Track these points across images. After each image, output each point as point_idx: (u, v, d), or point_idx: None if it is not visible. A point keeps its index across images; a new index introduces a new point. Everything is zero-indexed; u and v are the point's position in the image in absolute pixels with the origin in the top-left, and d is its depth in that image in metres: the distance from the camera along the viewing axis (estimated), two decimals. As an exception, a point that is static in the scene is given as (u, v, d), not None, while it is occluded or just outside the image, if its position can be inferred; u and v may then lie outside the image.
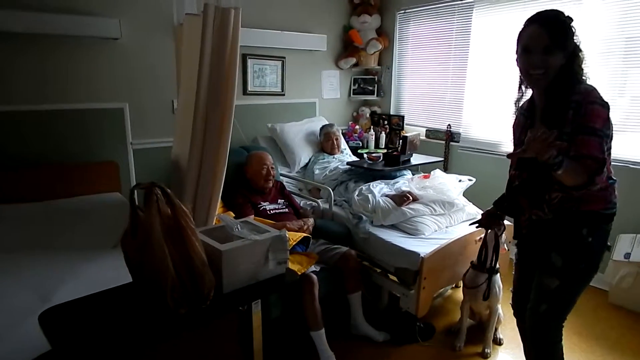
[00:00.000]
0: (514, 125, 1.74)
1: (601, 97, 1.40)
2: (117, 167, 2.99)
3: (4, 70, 2.58)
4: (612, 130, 1.42)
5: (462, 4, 3.59)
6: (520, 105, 1.70)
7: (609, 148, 1.42)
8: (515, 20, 3.19)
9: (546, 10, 1.48)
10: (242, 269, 1.42)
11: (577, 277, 1.55)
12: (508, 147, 3.37)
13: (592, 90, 1.41)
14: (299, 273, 2.08)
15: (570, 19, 1.45)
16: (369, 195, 2.69)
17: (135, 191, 1.23)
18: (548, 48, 1.43)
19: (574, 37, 1.44)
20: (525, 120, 1.65)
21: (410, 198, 2.64)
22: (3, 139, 2.61)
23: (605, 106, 1.39)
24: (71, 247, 2.07)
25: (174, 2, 2.42)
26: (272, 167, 2.69)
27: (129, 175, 3.14)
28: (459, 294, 2.90)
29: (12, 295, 1.61)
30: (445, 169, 3.78)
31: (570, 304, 1.60)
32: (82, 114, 2.87)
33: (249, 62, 3.64)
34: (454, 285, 2.94)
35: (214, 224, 2.11)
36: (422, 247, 2.34)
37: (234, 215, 2.40)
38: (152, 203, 1.18)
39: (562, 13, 1.45)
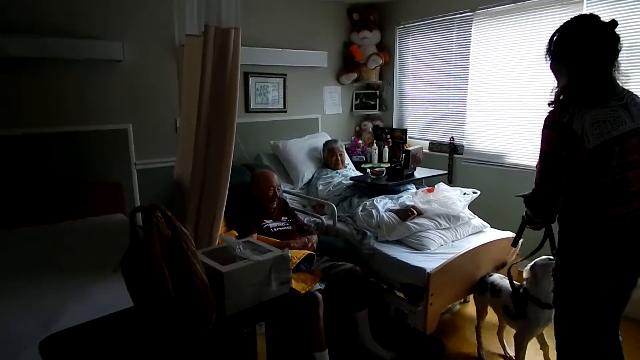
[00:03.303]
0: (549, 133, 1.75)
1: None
2: (121, 188, 3.00)
3: (8, 94, 2.62)
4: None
5: (461, 16, 3.61)
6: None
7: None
8: (513, 30, 3.21)
9: None
10: (245, 290, 1.40)
11: None
12: (513, 157, 3.37)
13: None
14: (303, 291, 2.06)
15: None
16: (373, 211, 2.68)
17: (137, 214, 1.22)
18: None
19: None
20: None
21: (415, 212, 2.62)
22: (7, 162, 2.62)
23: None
24: (75, 270, 2.05)
25: (175, 24, 2.45)
26: (278, 188, 2.68)
27: (133, 195, 3.15)
28: (468, 309, 2.86)
29: (13, 321, 1.59)
30: (450, 182, 3.76)
31: None
32: (86, 136, 2.90)
33: (251, 80, 3.67)
34: (462, 301, 2.89)
35: (216, 244, 2.09)
36: (428, 262, 2.31)
37: (237, 234, 2.38)
38: (152, 226, 1.17)
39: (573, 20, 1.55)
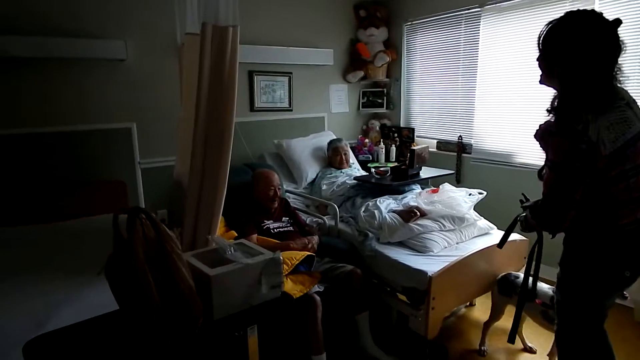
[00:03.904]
0: None
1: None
2: (125, 187, 3.00)
3: (11, 94, 2.64)
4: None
5: (469, 13, 3.53)
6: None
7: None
8: (522, 26, 3.12)
9: None
10: (234, 294, 1.37)
11: None
12: (522, 157, 3.28)
13: None
14: (301, 293, 2.02)
15: None
16: (375, 211, 2.62)
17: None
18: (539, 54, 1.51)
19: None
20: None
21: (418, 213, 2.56)
22: (10, 161, 2.64)
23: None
24: (73, 270, 2.05)
25: (176, 22, 2.44)
26: (278, 188, 2.65)
27: (137, 194, 3.15)
28: (474, 313, 2.79)
29: (6, 320, 1.59)
30: (458, 182, 3.69)
31: None
32: (90, 135, 2.91)
33: (256, 78, 3.64)
34: (468, 304, 2.82)
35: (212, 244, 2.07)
36: (431, 265, 2.25)
37: (236, 234, 2.35)
38: (135, 228, 1.15)
39: (572, 13, 1.43)
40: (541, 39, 1.43)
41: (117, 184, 2.98)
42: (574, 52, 1.33)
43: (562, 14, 1.39)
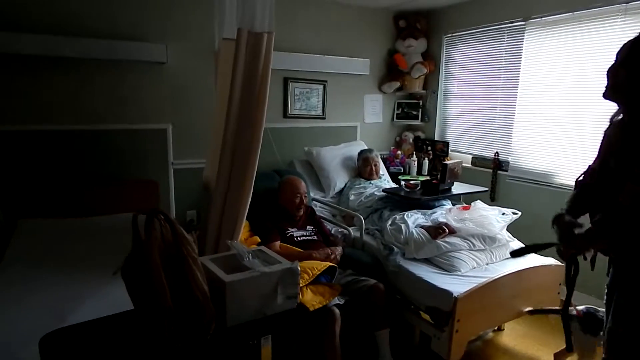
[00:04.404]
0: (604, 133, 1.52)
1: None
2: (157, 186, 3.07)
3: (56, 92, 2.75)
4: None
5: (512, 26, 3.41)
6: (615, 119, 1.47)
7: None
8: (569, 41, 2.98)
9: None
10: (248, 302, 1.35)
11: None
12: (563, 177, 3.12)
13: None
14: (320, 305, 1.97)
15: None
16: (402, 226, 2.56)
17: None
18: (619, 63, 1.33)
19: None
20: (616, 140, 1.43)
21: (447, 231, 2.47)
22: (48, 157, 2.75)
23: None
24: (99, 265, 2.10)
25: (215, 27, 2.48)
26: (305, 196, 2.63)
27: (169, 194, 3.22)
28: (503, 339, 2.66)
29: (28, 312, 1.64)
30: (492, 200, 3.55)
31: None
32: (126, 134, 3.00)
33: (290, 85, 3.66)
34: (496, 328, 2.69)
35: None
36: (457, 285, 2.16)
37: (259, 240, 2.35)
38: (152, 231, 1.15)
39: None
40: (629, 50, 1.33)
41: (149, 183, 3.05)
42: None
43: None
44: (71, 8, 2.73)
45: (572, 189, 2.89)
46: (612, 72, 1.36)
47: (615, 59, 1.36)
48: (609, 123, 1.46)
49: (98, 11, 2.81)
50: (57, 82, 2.75)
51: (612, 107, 1.41)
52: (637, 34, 1.33)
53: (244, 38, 2.05)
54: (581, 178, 1.50)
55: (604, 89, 1.39)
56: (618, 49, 1.36)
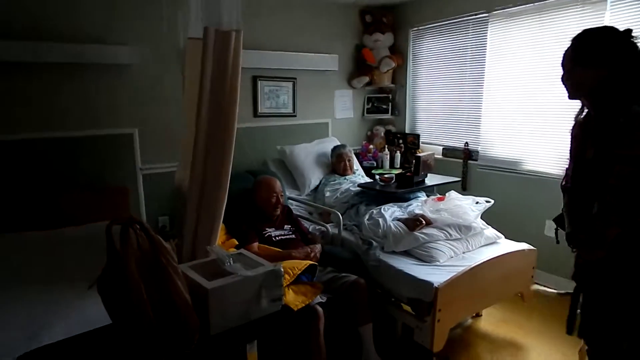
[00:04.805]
0: (571, 134, 1.57)
1: None
2: (128, 193, 2.97)
3: (14, 99, 2.61)
4: None
5: (476, 18, 3.48)
6: (579, 117, 1.53)
7: None
8: (531, 32, 3.07)
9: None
10: (232, 308, 1.32)
11: None
12: (530, 164, 3.21)
13: None
14: (303, 304, 1.95)
15: (610, 33, 1.36)
16: (380, 220, 2.57)
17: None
18: (571, 63, 1.41)
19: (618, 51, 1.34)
20: (582, 135, 1.48)
21: (424, 222, 2.50)
22: (12, 167, 2.61)
23: None
24: (71, 279, 2.00)
25: (179, 27, 2.41)
26: (281, 195, 2.60)
27: (139, 201, 3.12)
28: (481, 324, 2.72)
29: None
30: (464, 189, 3.63)
31: None
32: (92, 140, 2.88)
33: (260, 83, 3.61)
34: (474, 315, 2.75)
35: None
36: (437, 275, 2.19)
37: (237, 242, 2.31)
38: (128, 240, 1.10)
39: (596, 28, 1.40)
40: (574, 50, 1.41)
41: (119, 190, 2.94)
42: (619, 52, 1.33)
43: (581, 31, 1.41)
44: (31, 12, 2.60)
45: (539, 175, 2.98)
46: (566, 78, 1.44)
47: (562, 66, 1.45)
48: (573, 122, 1.52)
49: (59, 14, 2.68)
50: (18, 88, 2.61)
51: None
52: (572, 38, 1.42)
53: (211, 37, 2.00)
54: (564, 183, 1.54)
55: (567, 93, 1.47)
56: (562, 57, 1.45)
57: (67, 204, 2.67)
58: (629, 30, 1.34)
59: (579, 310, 1.52)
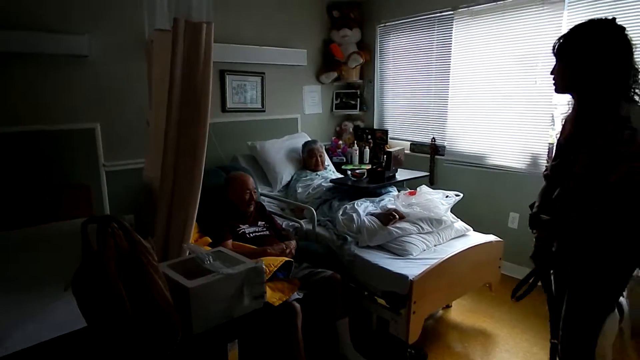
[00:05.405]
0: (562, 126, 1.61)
1: None
2: (90, 191, 2.83)
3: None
4: None
5: (441, 16, 3.56)
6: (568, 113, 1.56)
7: None
8: (494, 29, 3.17)
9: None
10: (214, 307, 1.28)
11: None
12: (494, 159, 3.33)
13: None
14: (281, 301, 1.94)
15: (601, 29, 1.37)
16: (354, 215, 2.58)
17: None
18: (556, 58, 1.44)
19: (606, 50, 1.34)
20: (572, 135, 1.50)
21: (397, 216, 2.54)
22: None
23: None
24: (35, 282, 1.89)
25: (145, 17, 2.31)
26: (254, 192, 2.56)
27: (102, 199, 2.98)
28: (451, 315, 2.79)
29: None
30: (432, 184, 3.70)
31: None
32: (50, 136, 2.72)
33: (227, 78, 3.53)
34: (445, 306, 2.82)
35: (187, 254, 1.96)
36: (411, 268, 2.23)
37: (210, 240, 2.25)
38: (106, 239, 1.05)
39: (583, 24, 1.40)
40: (563, 47, 1.42)
41: (79, 187, 2.80)
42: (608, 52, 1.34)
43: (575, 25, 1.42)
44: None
45: (503, 169, 3.08)
46: (556, 71, 1.46)
47: (554, 57, 1.46)
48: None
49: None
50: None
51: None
52: (568, 30, 1.42)
53: (181, 28, 1.93)
54: (547, 172, 1.59)
55: (554, 86, 1.49)
56: (554, 46, 1.45)
57: (25, 205, 2.51)
58: (614, 20, 1.36)
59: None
